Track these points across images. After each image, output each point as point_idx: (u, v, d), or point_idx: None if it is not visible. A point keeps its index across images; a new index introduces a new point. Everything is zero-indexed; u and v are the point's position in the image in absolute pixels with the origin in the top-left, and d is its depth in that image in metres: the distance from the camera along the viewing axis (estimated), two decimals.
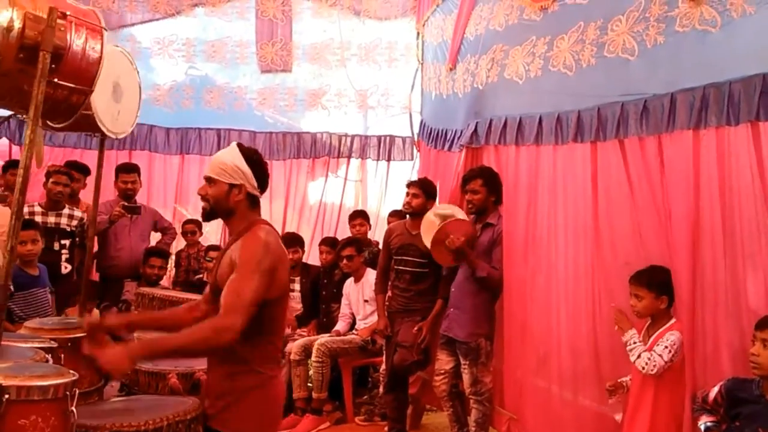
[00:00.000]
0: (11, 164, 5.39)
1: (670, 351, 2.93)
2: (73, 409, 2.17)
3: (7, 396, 2.12)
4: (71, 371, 2.42)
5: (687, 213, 2.94)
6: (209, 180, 2.40)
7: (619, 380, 3.21)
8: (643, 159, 3.27)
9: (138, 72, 3.44)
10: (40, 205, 5.04)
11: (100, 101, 3.06)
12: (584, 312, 3.62)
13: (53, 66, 2.32)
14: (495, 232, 4.20)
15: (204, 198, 2.41)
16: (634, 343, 3.02)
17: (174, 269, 6.13)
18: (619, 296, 3.30)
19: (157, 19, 6.72)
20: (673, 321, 3.04)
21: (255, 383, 2.33)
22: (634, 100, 3.30)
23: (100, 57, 2.44)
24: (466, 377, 4.14)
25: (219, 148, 6.80)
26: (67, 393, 2.25)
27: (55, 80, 2.35)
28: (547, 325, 3.87)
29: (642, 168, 3.28)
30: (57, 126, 2.74)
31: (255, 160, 2.42)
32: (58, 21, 2.31)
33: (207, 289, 2.73)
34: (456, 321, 4.20)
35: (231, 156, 2.39)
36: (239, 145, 2.46)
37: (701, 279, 2.91)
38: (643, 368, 2.95)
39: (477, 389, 4.10)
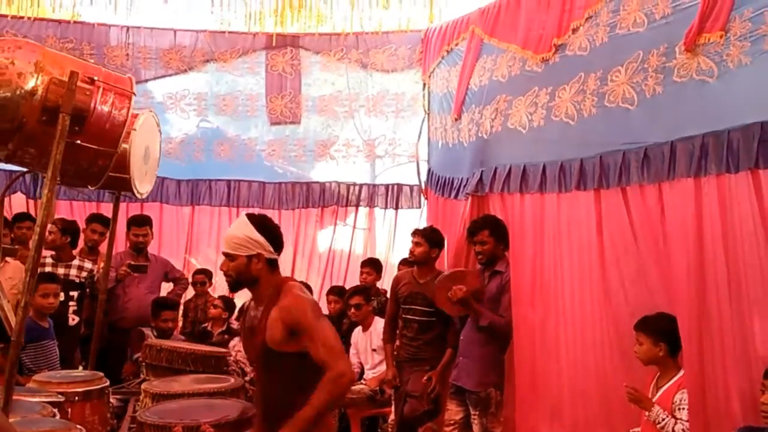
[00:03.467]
0: (18, 218, 5.46)
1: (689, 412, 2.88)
2: None
3: None
4: (78, 426, 2.44)
5: (689, 261, 2.94)
6: (228, 256, 2.55)
7: (631, 431, 3.16)
8: (645, 207, 3.29)
9: (161, 133, 3.57)
10: (51, 256, 5.10)
11: (136, 166, 3.18)
12: (593, 359, 3.59)
13: (76, 128, 2.40)
14: (503, 279, 4.20)
15: (227, 273, 2.57)
16: (663, 419, 2.92)
17: (182, 319, 6.13)
18: (626, 344, 3.28)
19: (170, 75, 6.89)
20: (681, 374, 2.99)
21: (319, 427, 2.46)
22: (635, 149, 3.34)
23: (125, 120, 2.53)
24: (476, 428, 4.09)
25: (229, 199, 6.91)
26: None
27: (78, 142, 2.42)
28: (556, 373, 3.84)
29: (644, 215, 3.30)
30: (88, 187, 2.85)
31: (265, 227, 2.58)
32: (84, 85, 2.40)
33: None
34: (465, 370, 4.17)
35: (241, 229, 2.55)
36: (248, 216, 2.62)
37: (708, 327, 2.90)
38: None
39: None
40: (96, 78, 2.70)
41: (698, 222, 2.93)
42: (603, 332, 3.53)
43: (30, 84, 2.59)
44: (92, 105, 2.66)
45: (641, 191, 3.30)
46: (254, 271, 2.52)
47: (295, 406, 2.45)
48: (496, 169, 4.52)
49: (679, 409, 2.90)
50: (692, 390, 2.88)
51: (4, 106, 2.60)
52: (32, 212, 5.97)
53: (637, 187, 3.32)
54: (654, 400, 2.97)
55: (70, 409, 2.83)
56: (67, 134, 2.43)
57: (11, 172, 5.74)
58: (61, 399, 2.81)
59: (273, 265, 2.58)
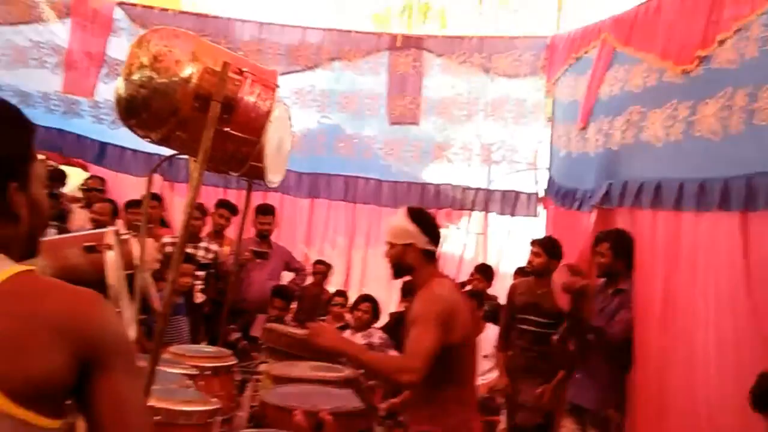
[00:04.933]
0: (132, 204, 5.52)
1: None
2: None
3: (158, 418, 2.27)
4: (213, 399, 2.57)
5: None
6: (389, 244, 2.72)
7: None
8: None
9: (292, 126, 3.70)
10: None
11: (270, 156, 3.32)
12: (732, 387, 3.36)
13: (225, 116, 2.53)
14: (625, 298, 4.04)
15: (389, 260, 2.76)
16: None
17: (297, 304, 6.28)
18: None
19: (297, 72, 7.11)
20: None
21: (454, 424, 2.55)
22: None
23: (269, 111, 2.63)
24: None
25: (346, 194, 7.05)
26: (209, 420, 2.39)
27: (226, 129, 2.55)
28: (687, 404, 3.62)
29: None
30: (229, 174, 3.00)
31: (421, 219, 2.70)
32: (234, 76, 2.52)
33: None
34: (582, 387, 4.04)
35: (398, 220, 2.71)
36: (407, 209, 2.76)
37: None
38: None
39: None
40: (245, 69, 2.82)
41: None
42: (745, 358, 3.30)
43: (186, 72, 2.73)
44: (240, 95, 2.78)
45: None
46: (409, 260, 2.66)
47: (434, 397, 2.55)
48: (626, 182, 4.36)
49: None
50: None
51: (162, 92, 2.76)
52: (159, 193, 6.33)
53: None
54: None
55: (202, 382, 2.97)
56: (217, 121, 2.55)
57: (148, 154, 6.19)
58: (195, 372, 2.96)
59: (429, 256, 2.69)
